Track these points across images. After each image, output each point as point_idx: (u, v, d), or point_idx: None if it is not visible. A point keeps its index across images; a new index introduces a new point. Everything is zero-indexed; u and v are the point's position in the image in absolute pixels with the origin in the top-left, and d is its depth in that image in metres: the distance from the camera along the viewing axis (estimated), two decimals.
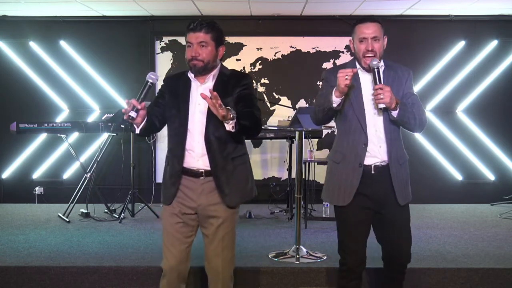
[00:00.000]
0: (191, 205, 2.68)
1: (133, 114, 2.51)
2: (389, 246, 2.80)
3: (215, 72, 2.67)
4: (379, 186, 2.72)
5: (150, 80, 2.62)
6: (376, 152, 2.71)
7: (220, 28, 2.64)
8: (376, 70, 2.62)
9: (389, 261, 2.84)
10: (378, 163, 2.72)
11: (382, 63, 2.72)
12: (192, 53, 2.59)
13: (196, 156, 2.64)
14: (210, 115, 2.54)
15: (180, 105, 2.66)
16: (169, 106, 2.71)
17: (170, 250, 2.70)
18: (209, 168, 2.63)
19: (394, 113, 2.63)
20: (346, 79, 2.52)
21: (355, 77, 2.70)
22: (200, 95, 2.43)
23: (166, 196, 2.72)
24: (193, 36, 2.59)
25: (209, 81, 2.66)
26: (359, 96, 2.74)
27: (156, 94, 2.83)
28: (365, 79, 2.76)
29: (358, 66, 2.79)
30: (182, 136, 2.64)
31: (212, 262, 2.75)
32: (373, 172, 2.71)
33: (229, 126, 2.48)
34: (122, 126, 5.66)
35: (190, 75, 2.69)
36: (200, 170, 2.65)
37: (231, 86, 2.64)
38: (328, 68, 2.97)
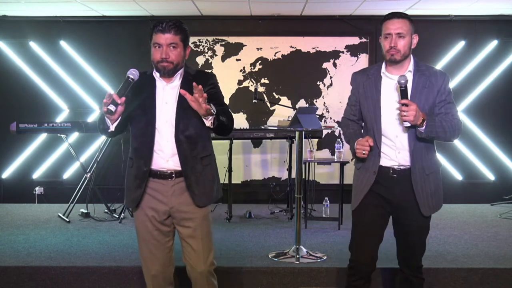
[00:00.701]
0: (163, 208, 2.64)
1: (112, 107, 2.43)
2: (402, 247, 2.83)
3: (181, 71, 2.65)
4: (398, 189, 2.69)
5: (131, 76, 2.57)
6: (394, 156, 2.68)
7: (187, 28, 2.61)
8: (403, 88, 2.55)
9: (401, 260, 2.87)
10: (396, 167, 2.68)
11: (408, 76, 2.63)
12: (162, 55, 2.54)
13: (166, 156, 2.59)
14: (179, 114, 2.54)
15: (146, 105, 2.60)
16: (133, 105, 2.61)
17: (153, 254, 2.67)
18: (179, 169, 2.59)
19: (421, 130, 2.57)
20: (364, 154, 2.63)
21: (376, 82, 2.70)
22: (180, 91, 2.44)
23: (130, 199, 2.68)
24: (162, 37, 2.53)
25: (176, 80, 2.63)
26: (377, 103, 2.69)
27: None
28: (387, 84, 2.71)
29: (383, 69, 2.74)
30: (150, 136, 2.57)
31: (194, 263, 2.70)
32: (391, 174, 2.68)
33: (208, 122, 2.48)
34: None
35: (155, 74, 2.65)
36: (170, 171, 2.60)
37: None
38: (355, 71, 2.92)
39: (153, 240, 2.67)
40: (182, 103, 2.53)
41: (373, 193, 2.71)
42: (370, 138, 2.64)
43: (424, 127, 2.56)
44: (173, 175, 2.60)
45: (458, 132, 2.69)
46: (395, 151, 2.68)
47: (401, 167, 2.68)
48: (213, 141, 6.95)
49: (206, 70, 2.77)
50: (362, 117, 2.83)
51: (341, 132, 2.85)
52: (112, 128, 2.53)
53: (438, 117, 2.64)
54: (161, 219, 2.66)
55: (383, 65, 2.75)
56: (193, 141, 2.60)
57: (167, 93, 2.62)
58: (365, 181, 2.72)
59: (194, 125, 2.56)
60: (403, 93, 2.55)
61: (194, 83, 2.36)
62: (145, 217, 2.66)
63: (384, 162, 2.70)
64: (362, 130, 2.87)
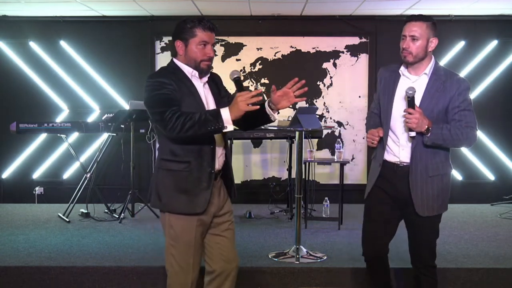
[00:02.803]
0: (213, 210, 2.57)
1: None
2: (410, 242, 2.92)
3: None
4: (399, 186, 2.77)
5: (237, 75, 2.55)
6: (397, 152, 2.77)
7: None
8: (410, 98, 2.61)
9: (411, 256, 2.94)
10: (399, 163, 2.76)
11: (423, 78, 2.73)
12: (210, 53, 2.51)
13: (218, 156, 2.56)
14: None
15: (196, 104, 2.49)
16: (185, 105, 2.44)
17: (197, 261, 2.56)
18: (221, 168, 2.59)
19: (426, 137, 2.64)
20: (372, 143, 2.76)
21: (395, 80, 2.78)
22: (273, 87, 2.54)
23: (196, 203, 2.46)
24: (210, 36, 2.48)
25: (205, 79, 2.61)
26: (391, 99, 2.78)
27: (169, 92, 2.41)
28: (403, 83, 2.78)
29: (402, 68, 2.81)
30: (211, 136, 2.50)
31: (231, 257, 2.65)
32: (395, 170, 2.77)
33: (276, 115, 2.57)
34: (122, 126, 5.67)
35: (194, 73, 2.53)
36: (217, 171, 2.57)
37: (218, 84, 2.69)
38: (382, 66, 3.01)
39: (200, 246, 2.58)
40: (219, 101, 2.58)
41: (379, 188, 2.82)
42: (381, 129, 2.76)
43: (429, 134, 2.62)
44: (218, 174, 2.59)
45: (470, 141, 2.75)
46: (399, 147, 2.76)
47: (403, 164, 2.75)
48: None
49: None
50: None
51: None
52: (231, 127, 2.40)
53: (450, 124, 2.70)
54: (209, 221, 2.58)
55: (404, 65, 2.83)
56: (227, 138, 2.67)
57: (206, 92, 2.59)
58: (374, 172, 2.85)
59: None
60: (409, 103, 2.62)
61: (296, 78, 2.45)
62: (198, 222, 2.51)
63: (389, 157, 2.79)
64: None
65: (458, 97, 2.72)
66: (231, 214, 2.68)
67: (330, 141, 6.42)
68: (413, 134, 2.65)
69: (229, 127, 2.38)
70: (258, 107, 2.41)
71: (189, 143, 2.44)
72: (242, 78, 2.62)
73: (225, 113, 2.35)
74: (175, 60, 2.57)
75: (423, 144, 2.68)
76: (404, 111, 2.63)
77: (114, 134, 5.79)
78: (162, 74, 2.48)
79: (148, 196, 2.65)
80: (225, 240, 2.63)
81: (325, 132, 6.28)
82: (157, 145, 6.61)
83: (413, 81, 2.76)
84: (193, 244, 2.50)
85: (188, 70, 2.53)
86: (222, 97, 2.67)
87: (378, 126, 2.84)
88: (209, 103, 2.57)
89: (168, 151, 2.47)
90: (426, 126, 2.60)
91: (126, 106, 6.33)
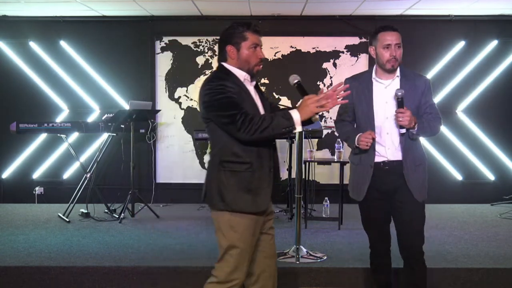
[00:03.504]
0: (267, 209, 2.64)
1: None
2: (401, 234, 3.02)
3: None
4: (390, 178, 2.92)
5: (297, 80, 2.65)
6: (383, 152, 2.92)
7: None
8: (400, 99, 2.80)
9: (402, 248, 3.02)
10: (387, 161, 2.92)
11: (396, 80, 2.92)
12: (262, 55, 2.57)
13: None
14: None
15: (252, 108, 2.52)
16: (247, 108, 2.49)
17: (248, 263, 2.57)
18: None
19: (413, 131, 2.85)
20: (367, 146, 2.84)
21: (368, 86, 2.93)
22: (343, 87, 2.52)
23: (260, 202, 2.52)
24: (259, 38, 2.56)
25: (254, 82, 2.65)
26: (370, 105, 2.92)
27: (234, 95, 2.45)
28: (378, 88, 2.94)
29: (374, 75, 2.96)
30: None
31: (272, 255, 2.73)
32: (383, 167, 2.92)
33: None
34: (122, 126, 5.67)
35: (246, 76, 2.57)
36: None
37: (259, 88, 2.74)
38: (347, 77, 3.12)
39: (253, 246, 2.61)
40: (264, 104, 2.65)
41: (373, 188, 2.94)
42: (372, 132, 2.85)
43: (415, 129, 2.85)
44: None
45: (440, 126, 3.03)
46: (385, 148, 2.92)
47: (389, 161, 2.92)
48: None
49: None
50: (355, 118, 3.05)
51: (336, 132, 2.91)
52: (300, 128, 2.48)
53: (424, 116, 2.94)
54: (263, 220, 2.62)
55: (374, 71, 2.97)
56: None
57: (255, 95, 2.62)
58: (364, 174, 2.94)
59: None
60: (399, 103, 2.80)
61: (341, 82, 2.57)
62: (258, 221, 2.56)
63: (377, 158, 2.94)
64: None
65: (427, 92, 2.95)
66: (273, 212, 2.80)
67: (330, 141, 6.42)
68: (403, 131, 2.84)
69: (298, 128, 2.45)
70: (326, 108, 2.49)
71: (253, 145, 2.49)
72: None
73: (296, 115, 2.44)
74: (225, 65, 2.59)
75: (409, 139, 2.90)
76: (397, 112, 2.80)
77: (114, 134, 5.79)
78: (222, 78, 2.51)
79: (202, 198, 2.64)
80: (269, 237, 2.71)
81: (325, 132, 6.28)
82: (157, 145, 6.58)
83: (386, 86, 2.92)
84: (252, 244, 2.57)
85: (241, 74, 2.56)
86: (265, 100, 2.72)
87: (356, 130, 2.98)
88: (259, 106, 2.62)
89: (230, 153, 2.50)
90: (414, 122, 2.81)
91: (126, 106, 6.33)
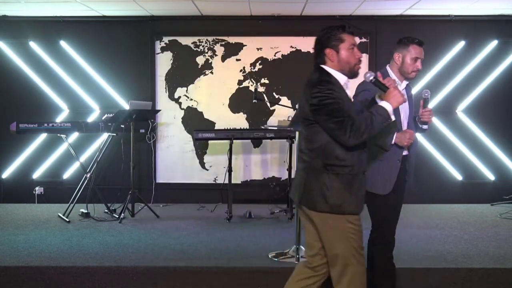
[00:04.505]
0: None
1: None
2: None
3: None
4: (403, 172, 3.14)
5: (372, 75, 2.71)
6: (405, 148, 3.14)
7: None
8: (426, 99, 3.17)
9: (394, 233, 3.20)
10: (405, 155, 3.15)
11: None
12: (360, 55, 2.64)
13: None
14: None
15: (353, 110, 2.60)
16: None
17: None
18: None
19: (425, 127, 3.22)
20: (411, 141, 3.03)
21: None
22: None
23: (360, 203, 2.63)
24: (355, 39, 2.64)
25: (348, 84, 2.72)
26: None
27: (341, 99, 2.53)
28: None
29: (393, 77, 3.12)
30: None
31: None
32: (403, 161, 3.12)
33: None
34: (122, 126, 5.67)
35: (346, 81, 2.65)
36: None
37: None
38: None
39: None
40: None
41: (400, 179, 3.11)
42: (409, 130, 3.06)
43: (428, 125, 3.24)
44: None
45: None
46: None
47: (405, 155, 3.14)
48: (213, 141, 6.93)
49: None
50: None
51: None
52: (393, 118, 2.62)
53: None
54: None
55: (391, 73, 3.15)
56: None
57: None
58: (392, 169, 3.05)
59: None
60: (425, 102, 3.18)
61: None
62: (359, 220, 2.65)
63: (404, 152, 3.15)
64: None
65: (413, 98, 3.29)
66: None
67: None
68: (426, 127, 3.20)
69: (392, 117, 2.59)
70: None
71: (353, 148, 2.56)
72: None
73: (388, 106, 2.56)
74: (326, 68, 2.64)
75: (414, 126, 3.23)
76: (424, 110, 3.15)
77: (114, 134, 5.79)
78: (329, 81, 2.57)
79: (298, 199, 2.68)
80: None
81: None
82: (157, 145, 6.57)
83: (402, 88, 3.14)
84: (361, 237, 2.63)
85: (341, 78, 2.63)
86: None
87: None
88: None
89: (333, 156, 2.56)
90: None
91: (126, 106, 6.33)
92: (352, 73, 2.64)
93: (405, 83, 3.17)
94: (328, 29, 2.63)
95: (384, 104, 2.56)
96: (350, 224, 2.57)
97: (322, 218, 2.60)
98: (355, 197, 2.59)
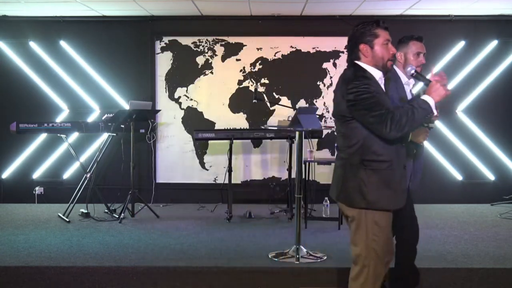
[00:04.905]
0: None
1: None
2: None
3: None
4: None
5: (413, 69, 2.78)
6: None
7: None
8: (415, 74, 2.97)
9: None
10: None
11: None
12: (394, 50, 2.63)
13: None
14: None
15: (388, 104, 2.58)
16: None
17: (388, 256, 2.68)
18: None
19: (431, 125, 3.15)
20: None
21: (399, 84, 3.11)
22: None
23: (399, 199, 2.63)
24: (389, 35, 2.61)
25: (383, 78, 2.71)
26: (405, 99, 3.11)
27: (378, 93, 2.52)
28: (406, 87, 3.18)
29: (399, 74, 3.17)
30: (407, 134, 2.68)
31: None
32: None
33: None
34: (122, 126, 5.67)
35: (381, 76, 2.64)
36: None
37: None
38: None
39: None
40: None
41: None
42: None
43: None
44: None
45: None
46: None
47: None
48: (213, 141, 6.92)
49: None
50: None
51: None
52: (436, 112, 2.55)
53: None
54: None
55: (401, 74, 3.18)
56: None
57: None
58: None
59: None
60: (418, 76, 3.02)
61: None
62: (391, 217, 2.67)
63: None
64: None
65: None
66: None
67: (330, 141, 6.42)
68: (432, 125, 3.15)
69: (435, 111, 2.51)
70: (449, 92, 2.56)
71: (391, 143, 2.54)
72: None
73: (431, 100, 2.50)
74: (360, 63, 2.64)
75: None
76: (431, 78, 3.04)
77: (114, 134, 5.79)
78: (365, 76, 2.56)
79: (336, 196, 2.71)
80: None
81: (325, 132, 6.28)
82: (157, 145, 6.57)
83: (410, 85, 3.22)
84: (390, 238, 2.64)
85: (376, 73, 2.62)
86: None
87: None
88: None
89: (370, 151, 2.55)
90: None
91: (126, 106, 6.33)
92: (385, 68, 2.63)
93: (412, 81, 3.17)
94: (363, 25, 2.62)
95: (426, 97, 2.50)
96: (376, 227, 2.57)
97: (356, 214, 2.60)
98: (394, 192, 2.57)
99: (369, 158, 2.54)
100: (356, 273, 2.63)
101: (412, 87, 3.21)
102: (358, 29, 2.64)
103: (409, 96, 3.14)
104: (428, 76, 2.76)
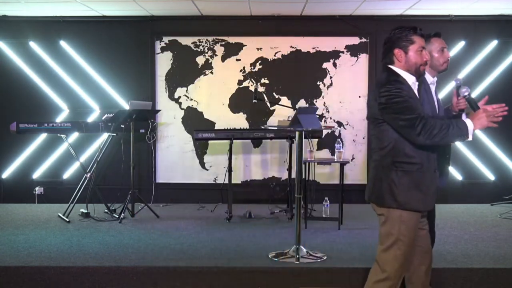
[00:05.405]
0: None
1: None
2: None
3: None
4: None
5: (468, 92, 2.84)
6: None
7: None
8: (459, 86, 3.06)
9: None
10: None
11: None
12: (428, 57, 2.68)
13: None
14: None
15: (421, 110, 2.63)
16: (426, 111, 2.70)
17: (410, 257, 2.73)
18: None
19: (464, 116, 3.04)
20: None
21: (426, 86, 3.04)
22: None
23: (428, 201, 2.68)
24: (425, 42, 2.68)
25: (417, 83, 2.75)
26: (432, 103, 3.06)
27: (410, 98, 2.57)
28: (431, 87, 3.13)
29: (430, 78, 3.13)
30: None
31: (429, 249, 2.91)
32: None
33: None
34: (122, 126, 5.67)
35: (414, 81, 2.69)
36: None
37: None
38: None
39: None
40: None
41: None
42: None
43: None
44: None
45: None
46: None
47: None
48: (213, 141, 6.92)
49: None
50: None
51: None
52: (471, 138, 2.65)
53: None
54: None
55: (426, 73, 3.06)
56: None
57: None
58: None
59: None
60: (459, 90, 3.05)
61: (503, 104, 2.64)
62: (419, 218, 2.71)
63: None
64: None
65: None
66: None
67: (330, 141, 6.42)
68: (464, 116, 3.06)
69: (470, 137, 2.60)
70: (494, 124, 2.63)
71: (422, 147, 2.60)
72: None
73: (471, 125, 2.61)
74: (394, 68, 2.69)
75: None
76: (461, 98, 3.03)
77: (114, 134, 5.79)
78: (398, 81, 2.62)
79: (368, 197, 2.77)
80: (424, 232, 2.85)
81: (325, 132, 6.28)
82: (157, 145, 6.58)
83: (434, 84, 3.17)
84: (412, 239, 2.67)
85: (409, 78, 2.67)
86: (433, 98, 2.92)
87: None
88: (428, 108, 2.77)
89: (402, 153, 2.62)
90: None
91: (126, 106, 6.33)
92: (418, 74, 2.68)
93: (435, 79, 3.17)
94: (399, 30, 2.67)
95: (467, 121, 2.59)
96: (404, 226, 2.61)
97: (386, 212, 2.66)
98: (424, 195, 2.63)
99: (400, 160, 2.62)
100: (376, 272, 2.69)
101: (435, 85, 3.20)
102: (395, 33, 2.68)
103: (434, 96, 3.12)
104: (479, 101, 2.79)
